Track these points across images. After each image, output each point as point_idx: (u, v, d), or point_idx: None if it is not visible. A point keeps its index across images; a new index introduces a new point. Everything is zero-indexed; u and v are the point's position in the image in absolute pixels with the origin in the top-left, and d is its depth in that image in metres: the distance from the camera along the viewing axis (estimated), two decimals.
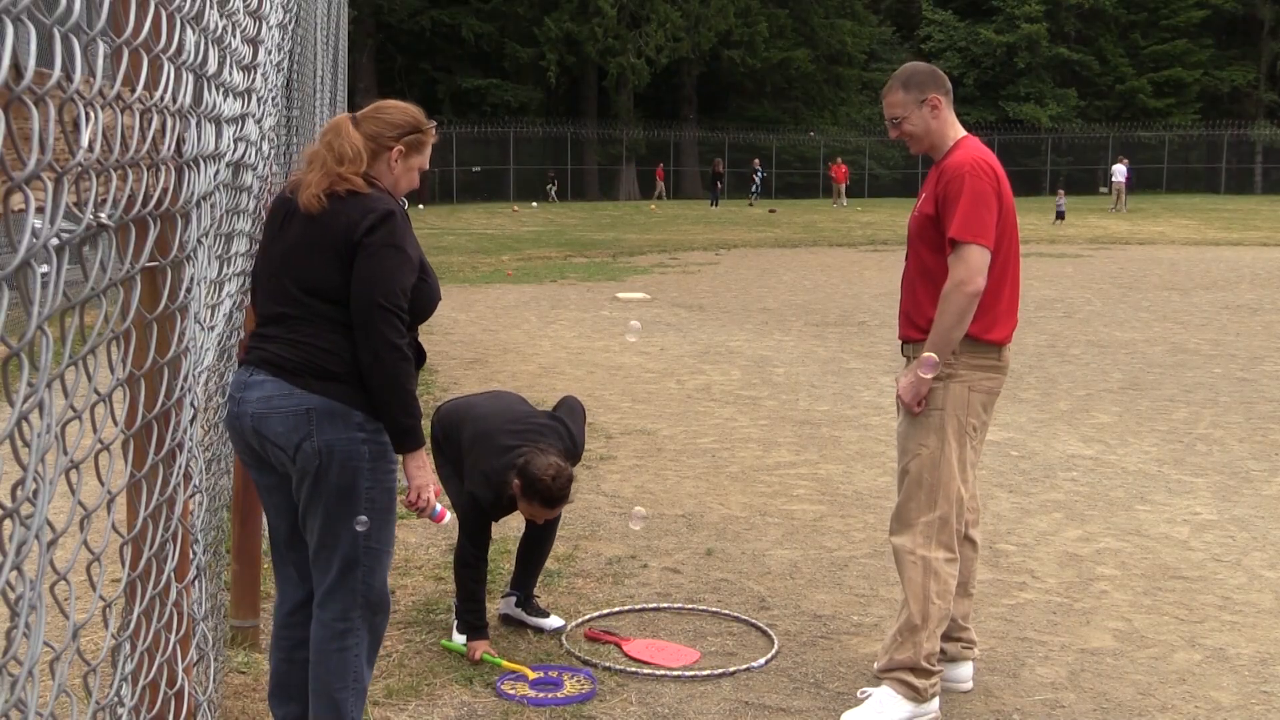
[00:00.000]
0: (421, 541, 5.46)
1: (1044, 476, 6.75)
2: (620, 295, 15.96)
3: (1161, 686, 3.98)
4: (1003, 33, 52.28)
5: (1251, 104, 54.67)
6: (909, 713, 3.67)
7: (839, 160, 43.93)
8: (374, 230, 2.95)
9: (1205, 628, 4.50)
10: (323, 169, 3.02)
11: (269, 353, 3.01)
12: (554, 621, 4.42)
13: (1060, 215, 32.37)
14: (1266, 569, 5.17)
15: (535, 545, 4.49)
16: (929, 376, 3.66)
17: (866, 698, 3.76)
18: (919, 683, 3.67)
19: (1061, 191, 35.48)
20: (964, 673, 3.94)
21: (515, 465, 4.03)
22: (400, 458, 3.08)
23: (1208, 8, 52.81)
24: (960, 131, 3.82)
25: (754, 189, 43.88)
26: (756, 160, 45.37)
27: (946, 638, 3.88)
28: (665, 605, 4.67)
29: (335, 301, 2.98)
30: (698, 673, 4.01)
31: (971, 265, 3.57)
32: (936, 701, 3.73)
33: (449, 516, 3.28)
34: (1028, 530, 5.73)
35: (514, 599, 4.48)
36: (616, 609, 4.62)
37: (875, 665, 3.83)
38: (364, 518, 3.01)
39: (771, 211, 37.51)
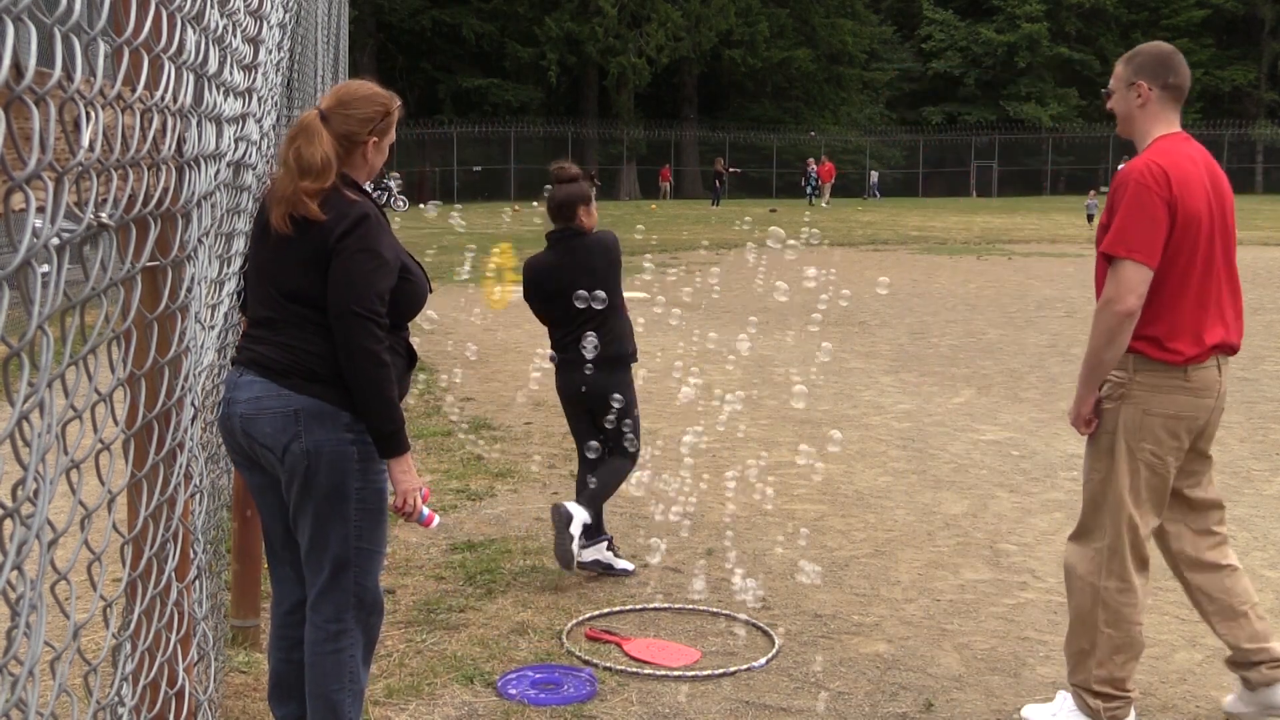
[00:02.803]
0: (422, 541, 5.45)
1: (1045, 476, 6.75)
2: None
3: (1162, 686, 3.98)
4: (1003, 32, 52.28)
5: (1252, 104, 54.65)
6: None
7: (824, 159, 43.66)
8: (347, 235, 2.93)
9: (1206, 627, 4.49)
10: (291, 183, 2.96)
11: (258, 354, 3.01)
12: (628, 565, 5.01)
13: (1091, 219, 31.95)
14: (1267, 569, 5.17)
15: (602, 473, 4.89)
16: (1088, 396, 3.50)
17: (1055, 696, 3.73)
18: (1094, 703, 3.56)
19: (1093, 192, 34.61)
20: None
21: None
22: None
23: (1208, 7, 52.82)
24: (1166, 129, 3.54)
25: (812, 190, 43.25)
26: (811, 160, 44.99)
27: (1239, 664, 3.67)
28: (665, 605, 4.67)
29: (317, 306, 2.96)
30: (698, 673, 4.01)
31: (1122, 283, 3.36)
32: None
33: (437, 520, 3.28)
34: (1029, 530, 5.73)
35: (604, 542, 4.96)
36: (617, 609, 4.62)
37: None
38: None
39: (772, 211, 37.48)
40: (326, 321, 2.95)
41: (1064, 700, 3.67)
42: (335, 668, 3.09)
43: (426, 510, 3.17)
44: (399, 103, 3.17)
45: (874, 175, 47.96)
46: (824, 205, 40.72)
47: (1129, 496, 3.48)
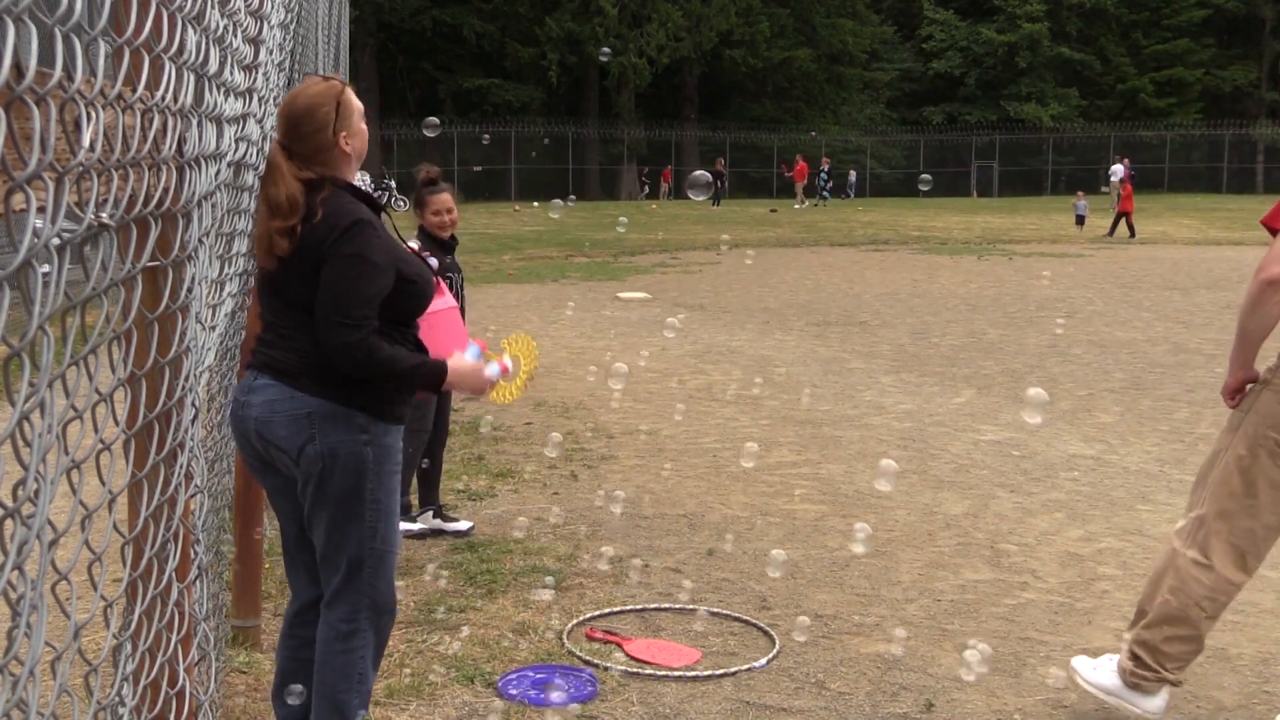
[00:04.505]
0: (423, 542, 5.45)
1: (1045, 476, 6.75)
2: (622, 295, 15.96)
3: None
4: (1004, 32, 52.28)
5: (1253, 103, 54.65)
6: (1112, 686, 3.54)
7: (799, 158, 43.38)
8: (338, 242, 2.93)
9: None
10: (264, 222, 2.97)
11: (271, 357, 3.03)
12: (464, 524, 5.49)
13: (1080, 220, 31.31)
14: (1267, 569, 5.16)
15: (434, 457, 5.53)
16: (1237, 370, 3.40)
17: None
18: (1125, 663, 3.51)
19: (1081, 193, 33.80)
20: None
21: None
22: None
23: (1209, 7, 52.81)
24: None
25: (823, 189, 42.92)
26: (827, 160, 44.52)
27: None
28: (666, 605, 4.67)
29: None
30: (699, 673, 4.01)
31: (1271, 252, 3.28)
32: (1150, 701, 3.51)
33: (507, 362, 3.41)
34: (1029, 530, 5.73)
35: (431, 512, 5.50)
36: (617, 609, 4.62)
37: None
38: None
39: (773, 211, 37.47)
40: None
41: (1109, 658, 3.62)
42: (345, 667, 3.11)
43: (494, 367, 3.30)
44: (342, 85, 3.08)
45: (852, 175, 47.64)
46: (796, 206, 40.48)
47: (1239, 478, 3.40)
